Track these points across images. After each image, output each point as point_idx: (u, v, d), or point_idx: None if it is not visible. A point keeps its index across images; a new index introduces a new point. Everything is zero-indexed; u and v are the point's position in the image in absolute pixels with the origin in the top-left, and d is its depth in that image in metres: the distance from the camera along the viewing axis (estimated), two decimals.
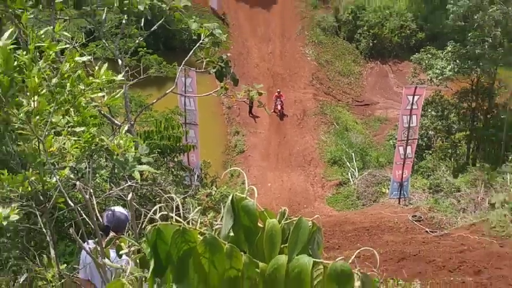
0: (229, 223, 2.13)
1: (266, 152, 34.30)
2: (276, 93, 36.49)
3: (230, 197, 2.13)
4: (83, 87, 5.14)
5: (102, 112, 8.35)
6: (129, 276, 3.20)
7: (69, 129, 5.15)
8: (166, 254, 2.04)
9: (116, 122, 9.93)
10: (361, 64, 43.51)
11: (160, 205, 2.19)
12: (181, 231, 2.03)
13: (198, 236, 2.05)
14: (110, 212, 6.07)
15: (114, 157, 5.90)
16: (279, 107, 36.41)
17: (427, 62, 29.72)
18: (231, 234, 2.14)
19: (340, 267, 1.97)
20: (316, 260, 2.00)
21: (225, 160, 33.59)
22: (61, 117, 5.13)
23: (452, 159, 29.74)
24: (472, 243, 17.64)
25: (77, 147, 5.10)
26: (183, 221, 2.07)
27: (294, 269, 1.97)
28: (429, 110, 29.57)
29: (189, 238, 2.03)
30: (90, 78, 5.23)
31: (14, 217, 5.07)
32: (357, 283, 1.99)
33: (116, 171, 6.65)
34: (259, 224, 2.13)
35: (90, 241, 5.23)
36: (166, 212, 2.23)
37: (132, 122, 10.86)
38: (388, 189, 26.66)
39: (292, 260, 1.98)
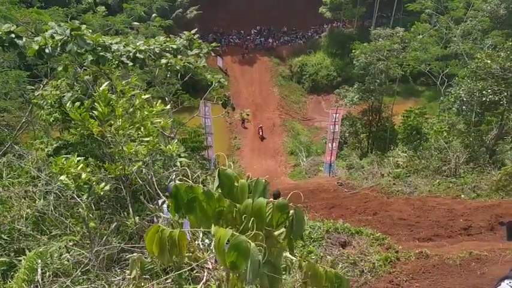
0: (216, 183, 2.22)
1: (252, 148, 34.23)
2: (259, 127, 35.44)
3: (217, 170, 2.23)
4: (147, 113, 5.12)
5: (159, 128, 8.33)
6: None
7: (140, 138, 5.13)
8: (181, 199, 2.14)
9: (166, 134, 9.87)
10: (305, 96, 43.50)
11: (176, 171, 2.22)
12: (190, 187, 2.13)
13: (200, 190, 2.14)
14: (172, 183, 6.11)
15: (165, 153, 5.89)
16: (261, 133, 35.24)
17: (343, 94, 29.79)
18: (219, 190, 2.23)
19: (282, 202, 2.10)
20: (268, 200, 2.12)
21: (229, 153, 33.53)
22: (135, 131, 5.12)
23: (359, 150, 29.82)
24: (371, 197, 17.72)
25: (144, 149, 5.08)
26: (191, 182, 2.16)
27: (255, 206, 2.09)
28: (345, 122, 29.67)
29: (194, 190, 2.13)
30: (151, 108, 5.22)
31: (107, 187, 5.07)
32: (292, 211, 2.11)
33: (166, 161, 6.61)
34: (236, 183, 2.25)
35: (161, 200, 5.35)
36: (184, 179, 2.28)
37: (175, 134, 10.84)
38: (323, 167, 26.72)
39: (254, 201, 2.10)
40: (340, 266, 8.37)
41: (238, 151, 34.16)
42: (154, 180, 5.29)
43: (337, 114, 24.54)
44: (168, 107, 5.93)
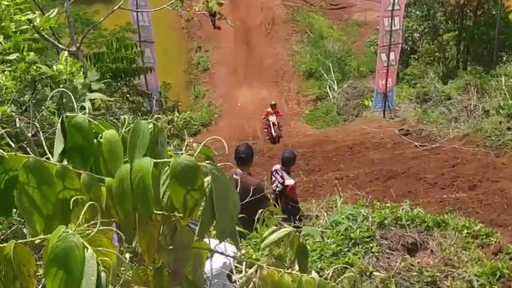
0: (60, 146, 2.09)
1: (233, 67, 34.10)
2: (269, 109, 27.53)
3: (60, 119, 2.06)
4: (7, 3, 4.98)
5: (43, 35, 8.22)
6: None
7: (1, 57, 5.06)
8: None
9: (60, 45, 9.79)
10: None
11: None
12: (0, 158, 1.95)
13: (22, 161, 1.95)
14: None
15: (61, 86, 5.85)
16: (273, 131, 26.93)
17: None
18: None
19: (182, 162, 1.94)
20: (158, 160, 1.99)
21: (188, 80, 33.45)
22: None
23: (440, 64, 29.77)
24: (465, 155, 17.85)
25: (13, 79, 5.02)
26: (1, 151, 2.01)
27: (136, 175, 1.94)
28: (412, 10, 29.41)
29: (9, 167, 1.96)
30: None
31: None
32: (207, 178, 1.97)
33: (64, 101, 6.57)
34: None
35: None
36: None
37: (78, 44, 10.72)
38: (372, 101, 26.71)
39: (133, 167, 1.95)
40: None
41: (205, 74, 34.01)
42: (42, 136, 5.27)
43: None
44: None
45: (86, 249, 1.73)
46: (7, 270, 1.89)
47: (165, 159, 1.98)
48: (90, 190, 2.01)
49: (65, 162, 2.08)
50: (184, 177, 1.93)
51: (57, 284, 1.73)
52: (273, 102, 28.41)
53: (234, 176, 9.25)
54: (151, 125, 2.07)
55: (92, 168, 2.11)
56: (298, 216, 10.57)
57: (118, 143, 2.05)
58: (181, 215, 2.02)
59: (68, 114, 2.04)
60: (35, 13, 5.15)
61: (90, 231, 1.84)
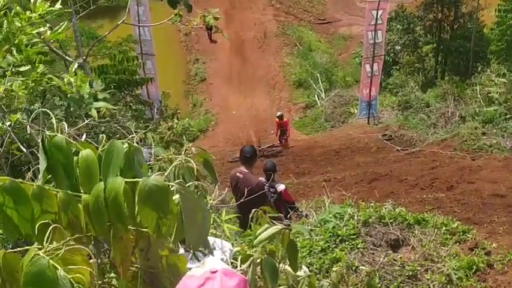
0: (43, 165, 2.05)
1: (228, 78, 34.14)
2: (277, 119, 26.15)
3: (41, 138, 2.04)
4: (20, 24, 4.97)
5: (52, 48, 8.19)
6: None
7: (13, 69, 5.03)
8: None
9: (67, 57, 9.77)
10: None
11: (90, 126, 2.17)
12: None
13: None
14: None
15: (69, 95, 5.83)
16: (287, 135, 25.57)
17: None
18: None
19: (150, 183, 1.90)
20: (128, 180, 1.94)
21: (186, 90, 33.49)
22: (1, 58, 5.02)
23: (420, 74, 29.83)
24: (443, 158, 17.87)
25: (25, 88, 5.00)
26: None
27: (110, 193, 1.91)
28: (394, 24, 29.48)
29: None
30: (27, 12, 5.04)
31: None
32: (176, 196, 1.95)
33: (71, 110, 6.53)
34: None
35: None
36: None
37: (85, 57, 10.71)
38: (357, 109, 26.75)
39: (107, 185, 1.92)
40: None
41: (202, 84, 34.02)
42: None
43: (380, 11, 24.32)
44: (59, 4, 5.75)
45: (57, 270, 1.73)
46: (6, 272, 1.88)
47: (136, 179, 1.94)
48: (68, 208, 1.99)
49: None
50: (151, 197, 1.90)
51: None
52: (279, 113, 26.68)
53: (237, 174, 9.41)
54: (126, 145, 2.06)
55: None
56: (297, 214, 10.73)
57: (94, 162, 2.02)
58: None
59: (48, 133, 2.03)
60: (45, 27, 5.09)
61: (61, 251, 1.83)
